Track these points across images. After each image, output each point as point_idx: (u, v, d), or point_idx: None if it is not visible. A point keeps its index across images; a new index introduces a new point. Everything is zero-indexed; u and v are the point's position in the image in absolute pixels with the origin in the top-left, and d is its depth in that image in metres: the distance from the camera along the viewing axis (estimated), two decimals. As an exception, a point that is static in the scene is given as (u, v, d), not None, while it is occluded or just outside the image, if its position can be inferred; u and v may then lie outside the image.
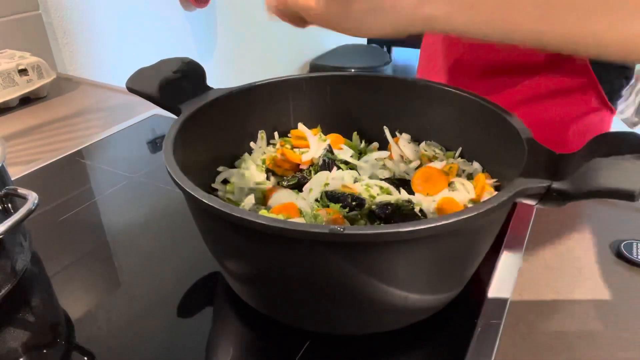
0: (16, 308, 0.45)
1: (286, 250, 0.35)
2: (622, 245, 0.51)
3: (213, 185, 0.51)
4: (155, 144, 0.76)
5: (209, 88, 0.53)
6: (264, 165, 0.54)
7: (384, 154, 0.55)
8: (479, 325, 0.42)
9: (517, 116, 0.44)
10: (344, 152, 0.55)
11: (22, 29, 1.04)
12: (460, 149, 0.53)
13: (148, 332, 0.43)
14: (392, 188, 0.49)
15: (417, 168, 0.53)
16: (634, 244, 0.52)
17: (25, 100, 0.92)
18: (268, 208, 0.46)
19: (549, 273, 0.49)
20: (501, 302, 0.45)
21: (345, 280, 0.36)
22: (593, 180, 0.33)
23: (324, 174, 0.50)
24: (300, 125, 0.58)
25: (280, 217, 0.42)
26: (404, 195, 0.48)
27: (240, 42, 1.91)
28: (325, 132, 0.58)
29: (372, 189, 0.48)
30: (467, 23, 0.33)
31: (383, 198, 0.47)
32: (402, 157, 0.55)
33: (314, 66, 2.36)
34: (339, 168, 0.52)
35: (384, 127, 0.57)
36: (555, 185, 0.35)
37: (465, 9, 0.32)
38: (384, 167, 0.54)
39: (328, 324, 0.41)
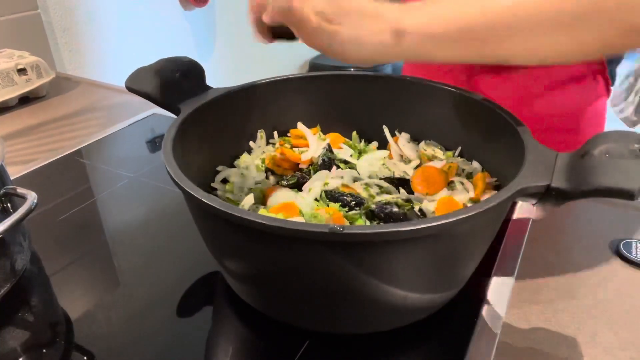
0: (15, 308, 0.45)
1: (286, 250, 0.35)
2: (621, 244, 0.51)
3: (212, 184, 0.51)
4: (154, 144, 0.76)
5: (209, 87, 0.53)
6: (263, 165, 0.54)
7: (383, 153, 0.55)
8: (479, 324, 0.42)
9: (516, 116, 0.44)
10: (344, 152, 0.55)
11: (21, 28, 1.04)
12: (459, 148, 0.53)
13: (147, 332, 0.43)
14: (391, 187, 0.49)
15: (416, 167, 0.53)
16: (633, 243, 0.52)
17: (25, 100, 0.92)
18: (268, 207, 0.46)
19: (548, 272, 0.49)
20: (500, 301, 0.45)
21: (345, 280, 0.36)
22: (592, 179, 0.33)
23: (323, 174, 0.50)
24: (300, 125, 0.58)
25: (280, 216, 0.42)
26: (403, 194, 0.48)
27: (240, 42, 1.91)
28: (325, 131, 0.58)
29: (372, 189, 0.48)
30: (445, 55, 0.39)
31: (382, 197, 0.47)
32: (401, 156, 0.55)
33: (314, 65, 2.36)
34: (338, 167, 0.52)
35: (384, 126, 0.57)
36: (555, 184, 0.35)
37: (444, 47, 0.39)
38: (384, 166, 0.54)
39: (327, 323, 0.42)
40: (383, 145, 0.57)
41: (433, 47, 0.39)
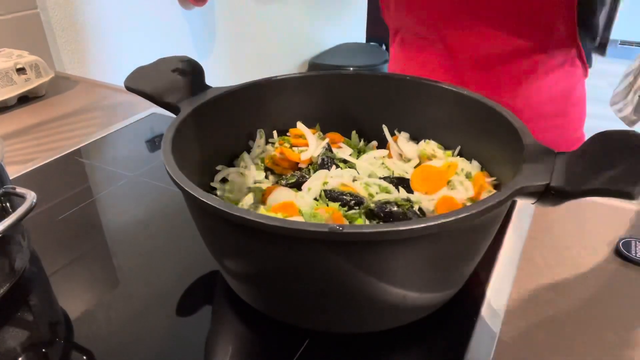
0: (15, 307, 0.45)
1: (285, 249, 0.35)
2: (620, 243, 0.51)
3: (212, 184, 0.51)
4: (153, 143, 0.76)
5: (208, 87, 0.53)
6: (262, 164, 0.54)
7: (382, 152, 0.55)
8: (478, 324, 0.42)
9: (516, 115, 0.44)
10: (343, 151, 0.55)
11: (20, 27, 1.04)
12: (459, 147, 0.53)
13: (147, 331, 0.43)
14: (391, 187, 0.49)
15: (416, 166, 0.53)
16: (633, 242, 0.52)
17: (24, 99, 0.92)
18: (267, 207, 0.46)
19: (547, 271, 0.49)
20: (500, 300, 0.45)
21: (344, 279, 0.36)
22: (591, 178, 0.33)
23: (322, 173, 0.50)
24: (299, 124, 0.58)
25: (279, 216, 0.42)
26: (402, 194, 0.48)
27: (239, 41, 1.91)
28: (324, 130, 0.58)
29: (371, 188, 0.48)
30: None
31: (382, 197, 0.47)
32: (400, 155, 0.55)
33: (313, 65, 2.36)
34: (337, 167, 0.52)
35: (383, 125, 0.57)
36: (554, 183, 0.35)
37: None
38: (383, 165, 0.54)
39: (327, 322, 0.42)
40: (382, 144, 0.57)
41: None
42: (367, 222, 0.43)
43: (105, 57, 1.34)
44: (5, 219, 0.40)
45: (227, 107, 0.52)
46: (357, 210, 0.44)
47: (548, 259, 0.51)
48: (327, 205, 0.45)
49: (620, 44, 3.61)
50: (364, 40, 2.91)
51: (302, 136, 0.56)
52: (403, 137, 0.56)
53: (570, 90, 0.77)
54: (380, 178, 0.51)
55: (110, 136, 0.79)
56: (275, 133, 0.58)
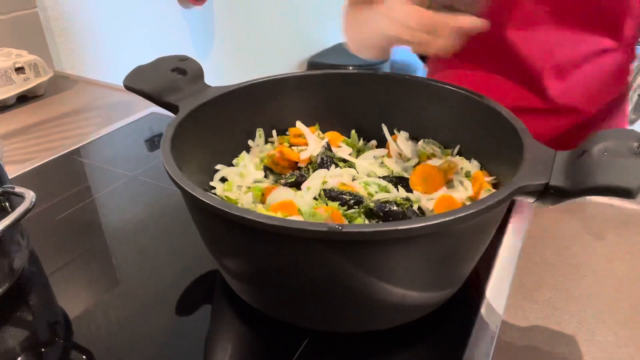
0: (14, 307, 0.45)
1: (284, 249, 0.35)
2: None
3: (211, 183, 0.51)
4: (153, 142, 0.76)
5: (207, 86, 0.53)
6: (262, 164, 0.54)
7: (382, 151, 0.55)
8: (478, 323, 0.42)
9: (515, 114, 0.44)
10: (342, 150, 0.55)
11: (19, 27, 1.03)
12: (458, 146, 0.53)
13: (146, 331, 0.43)
14: (390, 186, 0.49)
15: (415, 166, 0.53)
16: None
17: (23, 99, 0.92)
18: (266, 206, 0.46)
19: (546, 270, 0.49)
20: (499, 299, 0.45)
21: (344, 278, 0.36)
22: (591, 177, 0.33)
23: (322, 172, 0.49)
24: (299, 123, 0.57)
25: (279, 215, 0.42)
26: (402, 193, 0.48)
27: (238, 40, 1.91)
28: (324, 130, 0.58)
29: (370, 187, 0.48)
30: None
31: (381, 196, 0.47)
32: (400, 155, 0.55)
33: (312, 64, 2.36)
34: (337, 166, 0.52)
35: (382, 124, 0.57)
36: (553, 182, 0.35)
37: None
38: (382, 165, 0.54)
39: (326, 321, 0.42)
40: (382, 143, 0.57)
41: None
42: (367, 221, 0.43)
43: (104, 56, 1.34)
44: (5, 219, 0.40)
45: (226, 107, 0.52)
46: (357, 210, 0.44)
47: (547, 258, 0.51)
48: (327, 204, 0.45)
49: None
50: (363, 40, 2.90)
51: (301, 135, 0.56)
52: (402, 136, 0.56)
53: (624, 71, 0.74)
54: (379, 177, 0.50)
55: (109, 135, 0.79)
56: (274, 132, 0.58)
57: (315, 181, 0.48)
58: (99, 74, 1.29)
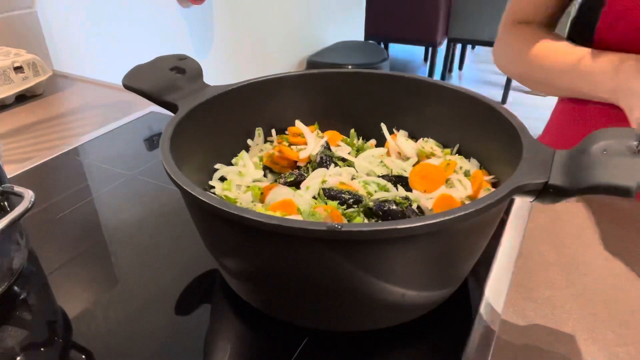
0: (13, 307, 0.45)
1: (283, 248, 0.35)
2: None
3: (210, 182, 0.51)
4: (152, 142, 0.76)
5: (206, 85, 0.53)
6: (261, 163, 0.54)
7: (381, 150, 0.55)
8: (477, 321, 0.42)
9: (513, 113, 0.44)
10: (342, 149, 0.55)
11: (18, 26, 1.03)
12: (457, 145, 0.54)
13: (146, 330, 0.43)
14: (389, 185, 0.49)
15: (414, 165, 0.53)
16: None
17: (21, 98, 0.92)
18: (265, 205, 0.46)
19: (546, 269, 0.49)
20: (498, 298, 0.45)
21: (343, 277, 0.36)
22: (589, 176, 0.33)
23: (321, 171, 0.49)
24: (298, 123, 0.57)
25: (278, 214, 0.42)
26: (401, 192, 0.48)
27: (237, 39, 1.91)
28: (323, 129, 0.58)
29: (370, 186, 0.48)
30: None
31: (380, 195, 0.47)
32: (399, 154, 0.55)
33: (311, 63, 2.36)
34: (336, 165, 0.52)
35: (382, 123, 0.57)
36: (552, 181, 0.35)
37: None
38: (382, 164, 0.54)
39: (326, 321, 0.42)
40: (381, 142, 0.57)
41: None
42: (366, 220, 0.43)
43: (103, 55, 1.34)
44: (3, 218, 0.40)
45: (225, 106, 0.52)
46: (356, 209, 0.44)
47: (546, 257, 0.51)
48: (326, 203, 0.45)
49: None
50: (362, 38, 2.90)
51: (300, 134, 0.56)
52: (402, 135, 0.56)
53: None
54: (378, 176, 0.50)
55: (108, 135, 0.79)
56: (273, 131, 0.58)
57: (315, 180, 0.48)
58: (98, 73, 1.28)
